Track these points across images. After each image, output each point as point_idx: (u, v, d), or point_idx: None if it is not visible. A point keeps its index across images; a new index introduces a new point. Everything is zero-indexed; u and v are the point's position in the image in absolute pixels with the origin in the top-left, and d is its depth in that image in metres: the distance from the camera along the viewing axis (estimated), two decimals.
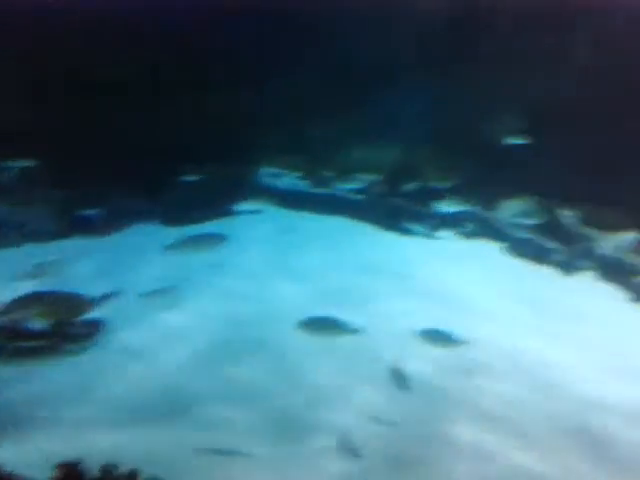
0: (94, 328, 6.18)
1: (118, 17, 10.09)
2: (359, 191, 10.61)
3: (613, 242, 8.30)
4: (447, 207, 9.81)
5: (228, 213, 10.18)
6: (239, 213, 10.22)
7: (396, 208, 10.18)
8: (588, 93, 9.62)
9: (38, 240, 8.28)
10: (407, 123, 11.14)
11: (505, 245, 9.10)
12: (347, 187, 10.30)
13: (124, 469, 3.03)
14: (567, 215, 9.00)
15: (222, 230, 9.54)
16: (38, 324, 5.85)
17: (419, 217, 9.90)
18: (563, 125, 9.67)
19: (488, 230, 9.50)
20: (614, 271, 7.85)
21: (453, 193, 10.25)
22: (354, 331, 5.73)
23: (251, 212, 10.37)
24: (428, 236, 9.68)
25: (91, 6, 9.71)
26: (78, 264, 7.63)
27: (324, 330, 5.68)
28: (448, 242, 9.39)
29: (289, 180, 11.29)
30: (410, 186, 10.49)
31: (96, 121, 9.35)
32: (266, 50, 11.85)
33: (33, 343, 5.75)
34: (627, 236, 8.26)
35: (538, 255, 8.64)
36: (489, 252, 9.00)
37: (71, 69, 9.39)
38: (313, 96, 12.03)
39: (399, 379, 5.44)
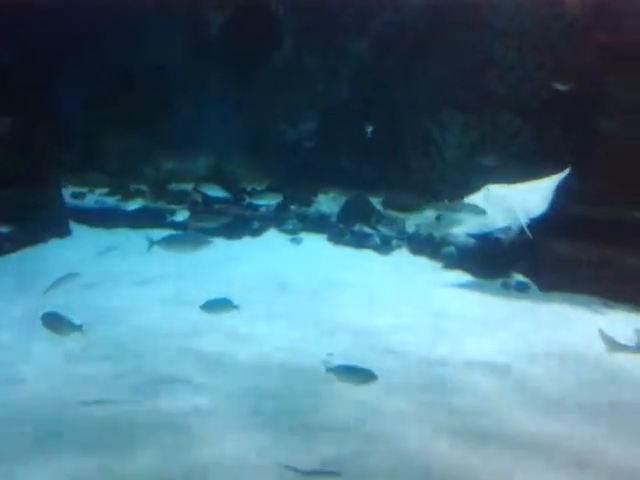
0: None
1: None
2: (176, 201, 10.43)
3: (416, 220, 9.50)
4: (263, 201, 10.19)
5: (34, 240, 9.18)
6: (51, 238, 9.30)
7: (219, 214, 10.21)
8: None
9: None
10: (213, 131, 11.31)
11: (326, 236, 9.76)
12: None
13: None
14: (373, 201, 10.04)
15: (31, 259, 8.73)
16: None
17: (244, 221, 10.08)
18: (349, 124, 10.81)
19: (309, 224, 10.09)
20: (424, 245, 8.97)
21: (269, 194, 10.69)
22: None
23: (62, 235, 9.52)
24: (254, 236, 9.94)
25: None
26: None
27: None
28: (274, 238, 9.76)
29: (96, 197, 10.63)
30: (226, 191, 10.61)
31: None
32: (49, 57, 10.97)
33: None
34: (427, 213, 9.54)
35: (357, 241, 9.45)
36: (313, 243, 9.58)
37: None
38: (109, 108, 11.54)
39: None
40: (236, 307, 5.74)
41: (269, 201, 9.63)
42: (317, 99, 11.17)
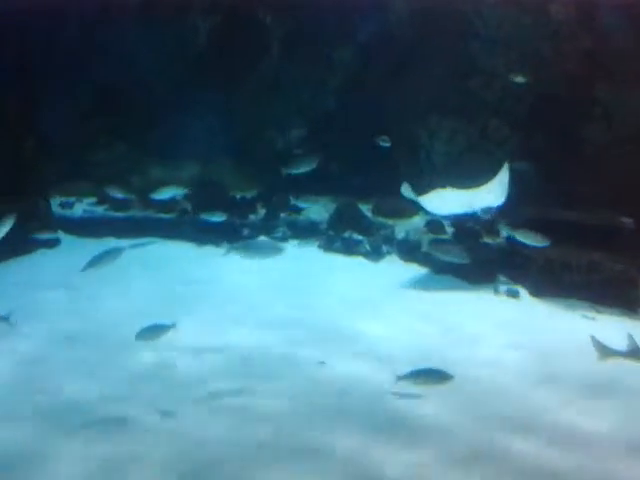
0: None
1: None
2: (164, 209, 10.38)
3: (406, 227, 9.52)
4: (257, 215, 10.26)
5: (23, 251, 9.08)
6: (37, 247, 9.21)
7: (205, 222, 10.17)
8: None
9: None
10: (201, 140, 11.27)
11: (317, 243, 9.76)
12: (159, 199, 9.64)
13: None
14: (363, 209, 10.06)
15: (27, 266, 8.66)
16: None
17: (231, 228, 10.04)
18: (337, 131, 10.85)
19: (299, 232, 10.08)
20: (414, 251, 9.00)
21: (258, 202, 10.68)
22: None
23: (48, 245, 9.43)
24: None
25: None
26: None
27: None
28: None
29: (84, 207, 10.54)
30: (215, 200, 10.57)
31: None
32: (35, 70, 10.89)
33: None
34: (415, 219, 9.58)
35: (347, 248, 9.46)
36: (304, 251, 9.58)
37: None
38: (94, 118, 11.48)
39: None
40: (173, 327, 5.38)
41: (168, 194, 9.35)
42: (305, 107, 11.19)
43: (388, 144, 8.57)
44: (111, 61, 11.10)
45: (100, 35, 11.13)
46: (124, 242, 9.70)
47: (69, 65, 10.84)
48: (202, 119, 11.24)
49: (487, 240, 8.65)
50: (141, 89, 11.37)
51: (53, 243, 9.60)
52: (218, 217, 9.16)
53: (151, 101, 11.24)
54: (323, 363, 5.86)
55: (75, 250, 9.43)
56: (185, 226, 10.27)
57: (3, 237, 6.31)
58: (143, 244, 9.87)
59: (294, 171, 8.39)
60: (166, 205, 10.51)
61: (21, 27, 10.56)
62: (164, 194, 9.13)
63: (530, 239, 7.17)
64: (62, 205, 10.40)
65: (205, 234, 9.98)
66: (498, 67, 10.08)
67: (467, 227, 8.72)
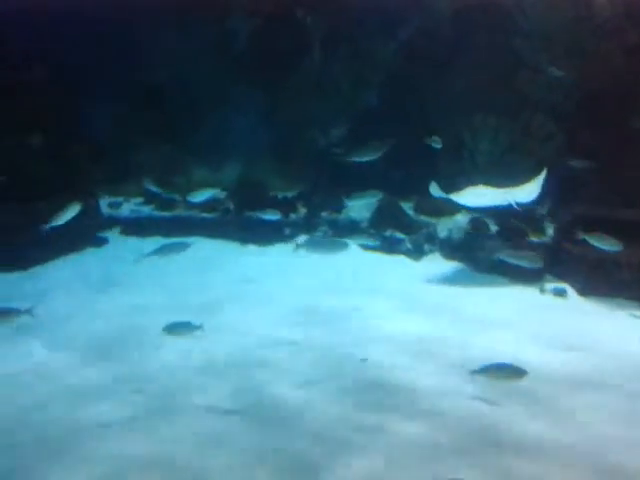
0: None
1: None
2: (207, 209, 10.57)
3: (448, 225, 9.46)
4: (298, 214, 10.35)
5: (73, 249, 9.38)
6: (87, 247, 9.51)
7: (248, 221, 10.31)
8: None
9: None
10: (243, 140, 11.43)
11: (358, 242, 9.78)
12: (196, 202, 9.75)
13: None
14: (405, 207, 10.03)
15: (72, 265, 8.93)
16: None
17: (275, 227, 10.15)
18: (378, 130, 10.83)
19: (340, 231, 10.12)
20: (457, 249, 8.94)
21: (300, 200, 10.78)
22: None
23: (98, 244, 9.73)
24: (286, 243, 10.00)
25: None
26: None
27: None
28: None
29: (131, 207, 10.82)
30: (258, 199, 10.71)
31: None
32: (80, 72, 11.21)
33: None
34: (457, 217, 9.49)
35: (389, 246, 9.46)
36: (346, 249, 9.62)
37: None
38: (139, 120, 11.74)
39: None
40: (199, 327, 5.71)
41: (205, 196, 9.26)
42: (346, 105, 11.23)
43: (439, 145, 8.44)
44: (157, 63, 11.38)
45: (146, 37, 11.39)
46: (170, 240, 9.93)
47: (116, 67, 11.14)
48: (244, 119, 11.41)
49: (533, 238, 8.53)
50: (185, 90, 11.62)
51: (101, 241, 9.88)
52: (272, 215, 9.20)
53: (195, 102, 11.47)
54: (365, 360, 5.89)
55: (123, 248, 9.71)
56: (228, 225, 10.42)
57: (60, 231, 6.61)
58: (187, 243, 10.06)
59: (358, 159, 7.97)
60: (209, 205, 10.71)
61: (66, 29, 10.86)
62: (200, 197, 9.21)
63: (604, 243, 7.05)
64: (111, 205, 10.69)
65: (248, 233, 10.13)
66: (542, 63, 9.92)
67: (512, 225, 8.61)
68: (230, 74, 11.72)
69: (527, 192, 7.68)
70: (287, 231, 10.17)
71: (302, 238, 10.03)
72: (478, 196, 7.68)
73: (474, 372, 5.12)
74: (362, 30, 10.98)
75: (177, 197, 10.70)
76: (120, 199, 10.85)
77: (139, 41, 11.44)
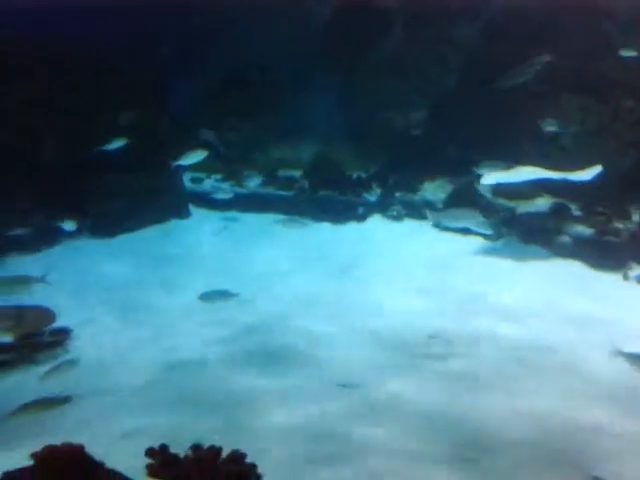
0: (61, 336, 5.82)
1: None
2: (284, 186, 10.85)
3: (529, 208, 9.28)
4: (372, 194, 10.46)
5: (158, 220, 9.89)
6: (171, 218, 10.00)
7: (323, 199, 10.50)
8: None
9: None
10: (321, 120, 11.59)
11: (432, 222, 9.77)
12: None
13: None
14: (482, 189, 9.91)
15: (160, 235, 9.40)
16: (3, 338, 5.40)
17: (348, 206, 10.29)
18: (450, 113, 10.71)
19: (413, 211, 10.14)
20: (535, 233, 8.78)
21: (374, 181, 10.86)
22: None
23: (182, 216, 10.21)
24: (359, 221, 10.13)
25: None
26: None
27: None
28: (382, 224, 9.92)
29: (211, 183, 11.24)
30: (333, 178, 10.87)
31: None
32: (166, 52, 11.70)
33: (4, 356, 5.31)
34: (538, 202, 9.29)
35: (464, 228, 9.39)
36: (420, 230, 9.64)
37: None
38: (222, 98, 12.12)
39: None
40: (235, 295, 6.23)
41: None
42: (426, 87, 11.17)
43: (554, 128, 8.31)
44: (238, 45, 11.71)
45: (228, 20, 11.73)
46: (246, 215, 10.32)
47: (200, 49, 11.55)
48: (323, 99, 11.55)
49: (618, 225, 8.25)
50: (265, 72, 11.90)
51: (185, 214, 10.34)
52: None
53: (276, 83, 11.73)
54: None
55: (204, 221, 10.15)
56: (303, 203, 10.64)
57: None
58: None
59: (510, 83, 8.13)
60: (286, 183, 10.98)
61: (154, 14, 11.32)
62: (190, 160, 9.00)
63: None
64: (193, 180, 11.15)
65: (322, 211, 10.32)
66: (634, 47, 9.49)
67: (596, 210, 8.37)
68: (309, 55, 11.89)
69: (585, 175, 7.55)
70: (360, 210, 10.28)
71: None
72: (528, 174, 7.62)
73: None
74: (444, 10, 10.85)
75: (255, 173, 11.03)
76: (202, 175, 11.27)
77: (225, 26, 11.80)
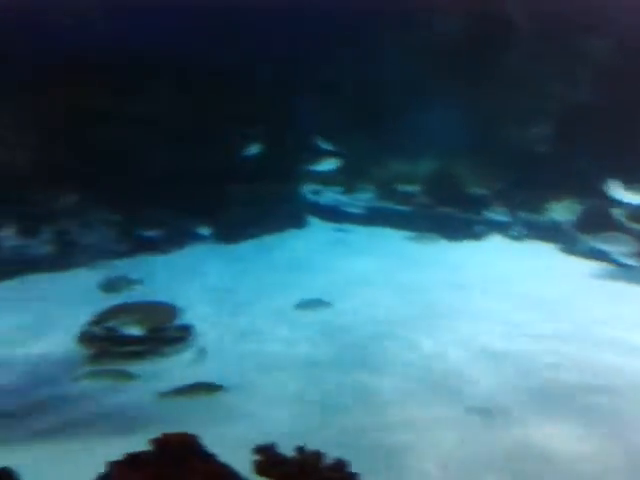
0: (186, 332, 6.22)
1: None
2: (402, 202, 10.82)
3: None
4: (492, 213, 10.09)
5: (278, 228, 10.29)
6: (289, 228, 10.37)
7: (442, 216, 10.33)
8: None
9: (106, 258, 8.45)
10: (441, 135, 11.42)
11: (557, 245, 9.25)
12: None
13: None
14: (616, 213, 9.21)
15: (278, 243, 9.74)
16: (134, 330, 5.88)
17: (466, 224, 10.04)
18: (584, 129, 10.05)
19: (537, 232, 9.67)
20: None
21: (496, 199, 10.50)
22: None
23: (299, 226, 10.55)
24: (476, 240, 9.84)
25: None
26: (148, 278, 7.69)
27: None
28: (500, 245, 9.55)
29: (330, 195, 11.49)
30: (453, 195, 10.67)
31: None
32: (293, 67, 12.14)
33: (133, 347, 5.78)
34: None
35: (595, 253, 8.78)
36: (543, 251, 9.15)
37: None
38: (345, 112, 12.36)
39: None
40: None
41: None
42: (552, 102, 10.64)
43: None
44: (364, 61, 11.90)
45: (355, 36, 11.96)
46: (361, 229, 10.42)
47: (327, 65, 11.89)
48: (443, 114, 11.40)
49: None
50: (387, 84, 11.97)
51: (303, 224, 10.67)
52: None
53: (396, 96, 11.75)
54: None
55: (319, 231, 10.40)
56: (420, 219, 10.54)
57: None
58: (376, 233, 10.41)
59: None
60: (403, 198, 10.95)
61: (282, 31, 11.80)
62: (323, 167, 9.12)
63: None
64: (312, 192, 11.47)
65: (440, 228, 10.14)
66: None
67: None
68: (432, 68, 11.80)
69: None
70: (478, 228, 9.98)
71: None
72: None
73: None
74: (571, 26, 10.30)
75: (372, 188, 11.11)
76: (320, 187, 11.55)
77: (352, 42, 12.06)
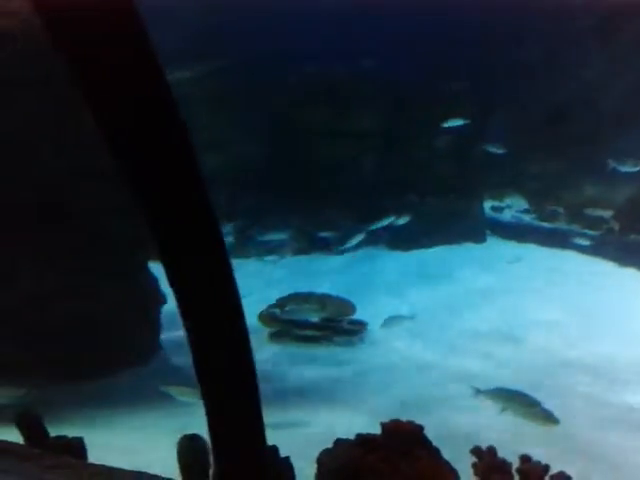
0: (359, 327, 6.86)
1: None
2: (591, 226, 10.33)
3: None
4: None
5: (454, 241, 10.51)
6: (464, 242, 10.54)
7: (633, 243, 9.68)
8: None
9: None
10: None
11: None
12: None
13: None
14: None
15: (448, 255, 9.99)
16: (313, 317, 6.69)
17: None
18: None
19: None
20: None
21: None
22: None
23: (476, 241, 10.65)
24: None
25: None
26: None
27: None
28: None
29: (512, 213, 11.37)
30: None
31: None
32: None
33: (310, 332, 6.59)
34: None
35: None
36: None
37: None
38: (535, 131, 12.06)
39: None
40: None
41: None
42: None
43: None
44: (563, 79, 11.52)
45: (552, 53, 11.64)
46: (542, 250, 10.17)
47: (522, 82, 11.73)
48: None
49: None
50: (586, 106, 11.44)
51: (480, 239, 10.74)
52: None
53: (595, 118, 11.19)
54: None
55: (498, 249, 10.38)
56: (607, 245, 9.99)
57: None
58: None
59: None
60: (593, 222, 10.44)
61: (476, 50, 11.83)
62: None
63: None
64: (494, 209, 11.45)
65: (628, 256, 9.53)
66: None
67: None
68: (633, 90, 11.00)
69: None
70: None
71: None
72: None
73: None
74: None
75: (561, 210, 10.77)
76: (503, 204, 11.48)
77: (548, 60, 11.75)
